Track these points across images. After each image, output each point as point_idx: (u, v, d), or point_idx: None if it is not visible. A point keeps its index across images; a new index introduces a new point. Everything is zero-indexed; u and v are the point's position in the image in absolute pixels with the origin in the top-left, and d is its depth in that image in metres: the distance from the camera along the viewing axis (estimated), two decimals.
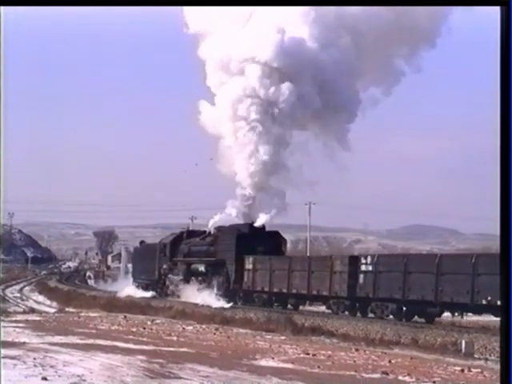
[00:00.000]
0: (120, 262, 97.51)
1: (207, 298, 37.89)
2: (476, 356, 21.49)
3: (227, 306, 35.96)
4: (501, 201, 10.91)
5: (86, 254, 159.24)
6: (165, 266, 45.15)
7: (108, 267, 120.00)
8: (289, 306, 35.29)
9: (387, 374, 16.75)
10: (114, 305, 40.58)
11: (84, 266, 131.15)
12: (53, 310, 41.85)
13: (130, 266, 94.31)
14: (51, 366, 15.99)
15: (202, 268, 40.63)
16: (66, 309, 42.19)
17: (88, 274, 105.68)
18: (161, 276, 45.72)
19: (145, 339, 23.61)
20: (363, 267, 29.85)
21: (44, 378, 14.24)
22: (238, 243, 37.90)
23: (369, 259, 30.03)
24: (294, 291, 33.88)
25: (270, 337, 25.58)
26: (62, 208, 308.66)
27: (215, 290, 38.37)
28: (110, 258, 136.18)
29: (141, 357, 18.39)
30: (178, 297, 41.98)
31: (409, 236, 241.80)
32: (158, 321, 31.68)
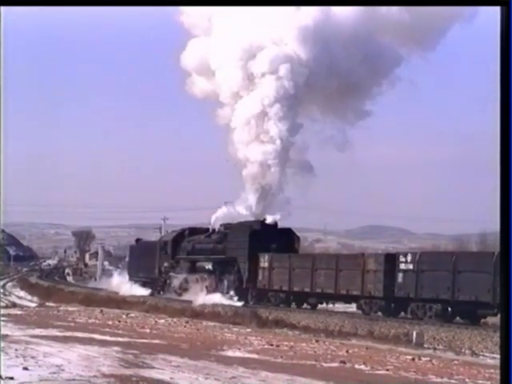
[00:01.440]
0: (97, 260, 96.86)
1: (216, 296, 35.09)
2: (425, 346, 21.74)
3: (239, 304, 33.43)
4: (501, 200, 10.57)
5: (65, 252, 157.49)
6: (166, 264, 41.98)
7: (86, 265, 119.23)
8: (305, 305, 32.40)
9: (345, 362, 16.90)
10: (91, 299, 40.39)
11: (63, 264, 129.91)
12: (33, 305, 41.53)
13: (106, 263, 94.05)
14: (32, 357, 15.90)
15: (208, 266, 37.53)
16: (46, 303, 41.86)
17: (67, 271, 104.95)
18: (161, 274, 42.54)
19: (120, 332, 23.53)
20: (402, 266, 26.90)
21: (25, 368, 14.18)
22: (251, 240, 34.75)
23: (409, 257, 26.97)
24: (318, 290, 30.76)
25: (236, 329, 25.59)
26: (42, 209, 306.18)
27: (225, 288, 35.60)
28: (87, 256, 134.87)
29: (116, 348, 18.36)
30: (181, 295, 38.93)
31: (365, 236, 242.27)
32: (132, 314, 31.54)
